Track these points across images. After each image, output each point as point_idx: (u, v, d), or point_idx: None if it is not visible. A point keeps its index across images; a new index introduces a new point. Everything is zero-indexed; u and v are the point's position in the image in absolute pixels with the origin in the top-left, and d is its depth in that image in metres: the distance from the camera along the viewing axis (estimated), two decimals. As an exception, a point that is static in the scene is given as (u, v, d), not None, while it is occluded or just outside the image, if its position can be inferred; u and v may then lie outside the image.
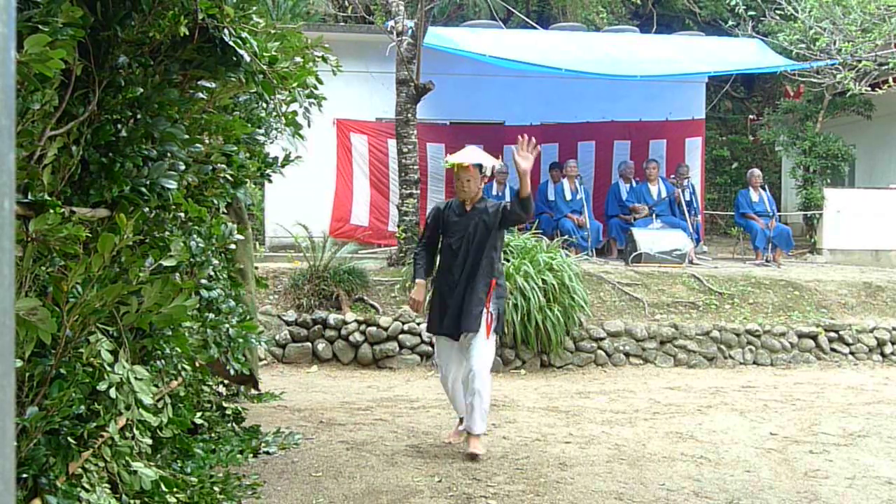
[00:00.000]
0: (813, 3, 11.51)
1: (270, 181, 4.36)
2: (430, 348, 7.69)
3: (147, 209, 2.68)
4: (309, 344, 7.90)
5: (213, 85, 3.06)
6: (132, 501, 2.74)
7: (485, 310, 4.72)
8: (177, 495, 3.05)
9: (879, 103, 12.88)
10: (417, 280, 4.95)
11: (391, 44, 9.14)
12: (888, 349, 8.51)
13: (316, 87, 3.89)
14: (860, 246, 12.03)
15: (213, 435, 4.41)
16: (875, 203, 12.11)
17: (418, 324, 7.82)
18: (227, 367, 4.01)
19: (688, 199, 10.99)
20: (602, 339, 8.08)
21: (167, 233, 2.93)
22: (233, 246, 3.99)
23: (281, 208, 10.91)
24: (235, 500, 3.58)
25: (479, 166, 4.88)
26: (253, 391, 5.53)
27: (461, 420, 4.98)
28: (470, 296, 4.71)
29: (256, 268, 5.62)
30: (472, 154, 5.03)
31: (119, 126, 2.55)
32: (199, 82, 3.02)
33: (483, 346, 4.73)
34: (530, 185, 4.65)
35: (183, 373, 3.55)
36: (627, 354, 8.09)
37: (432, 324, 4.91)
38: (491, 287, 4.76)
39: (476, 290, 4.72)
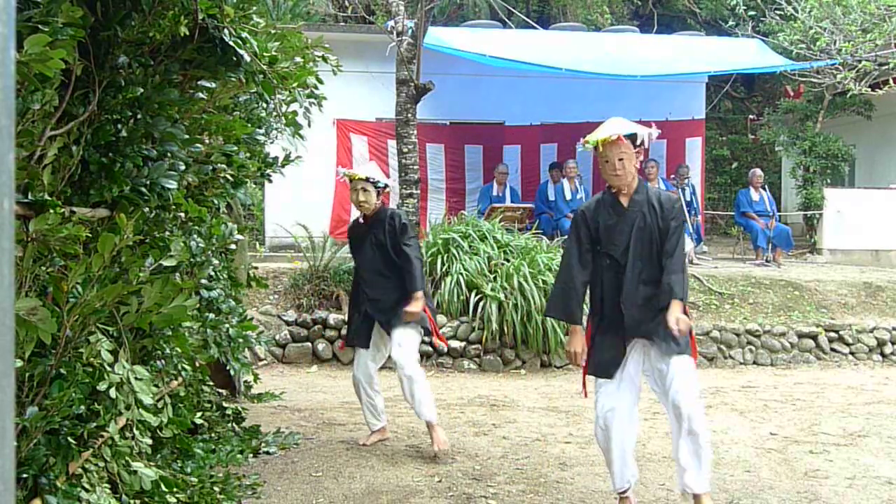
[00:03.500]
0: (813, 3, 11.52)
1: (270, 181, 4.36)
2: (429, 348, 7.69)
3: (147, 209, 2.68)
4: (309, 344, 7.90)
5: (213, 85, 3.06)
6: (132, 501, 2.74)
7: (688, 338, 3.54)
8: (177, 495, 3.05)
9: (879, 103, 12.88)
10: (574, 326, 3.67)
11: (391, 44, 9.14)
12: (888, 349, 8.50)
13: (316, 87, 3.89)
14: (860, 246, 12.03)
15: (213, 435, 4.41)
16: (875, 203, 12.11)
17: (418, 324, 7.81)
18: (228, 368, 4.02)
19: (688, 199, 10.99)
20: (602, 339, 8.07)
21: (167, 233, 2.93)
22: (233, 246, 3.99)
23: (281, 208, 10.91)
24: (235, 500, 3.58)
25: (633, 137, 3.53)
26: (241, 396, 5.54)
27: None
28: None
29: (256, 268, 5.63)
30: (619, 124, 3.59)
31: (119, 126, 2.55)
32: (199, 82, 3.02)
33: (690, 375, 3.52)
34: None
35: (183, 373, 3.55)
36: (627, 354, 8.08)
37: (602, 366, 3.63)
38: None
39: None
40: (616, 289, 3.51)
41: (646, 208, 3.48)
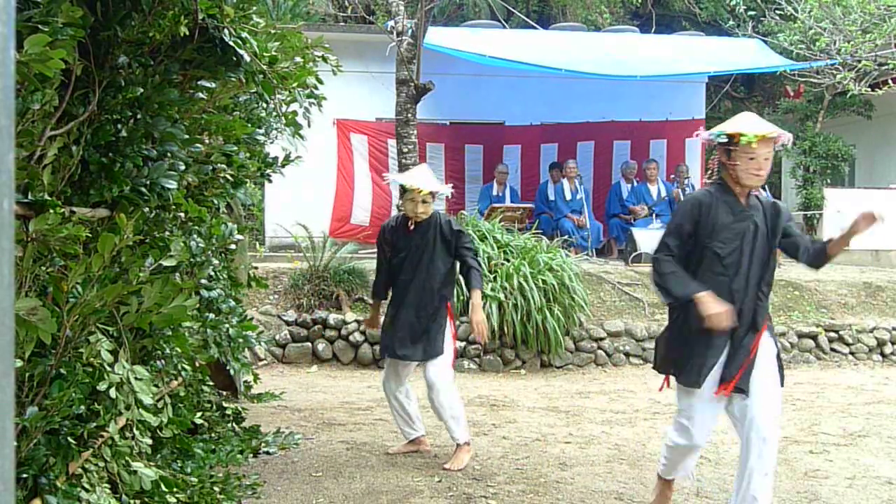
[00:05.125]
0: (813, 4, 11.52)
1: (270, 181, 4.36)
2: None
3: (147, 209, 2.68)
4: (309, 344, 7.90)
5: (213, 85, 3.06)
6: (132, 501, 2.74)
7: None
8: (177, 495, 3.05)
9: (879, 103, 12.88)
10: (699, 295, 3.32)
11: (391, 44, 9.14)
12: (888, 349, 8.50)
13: (316, 87, 3.88)
14: (860, 246, 12.00)
15: (213, 435, 4.41)
16: (875, 203, 12.06)
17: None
18: (228, 368, 4.02)
19: (688, 199, 10.98)
20: (602, 339, 8.08)
21: (167, 233, 2.94)
22: (233, 246, 3.98)
23: (281, 208, 10.91)
24: (235, 500, 3.58)
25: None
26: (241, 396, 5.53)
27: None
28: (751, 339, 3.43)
29: (256, 268, 5.63)
30: (757, 122, 3.55)
31: (119, 126, 2.55)
32: (199, 82, 3.02)
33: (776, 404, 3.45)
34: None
35: (183, 373, 3.55)
36: (627, 354, 8.08)
37: (691, 374, 3.42)
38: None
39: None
40: (719, 288, 3.31)
41: (760, 213, 3.38)
